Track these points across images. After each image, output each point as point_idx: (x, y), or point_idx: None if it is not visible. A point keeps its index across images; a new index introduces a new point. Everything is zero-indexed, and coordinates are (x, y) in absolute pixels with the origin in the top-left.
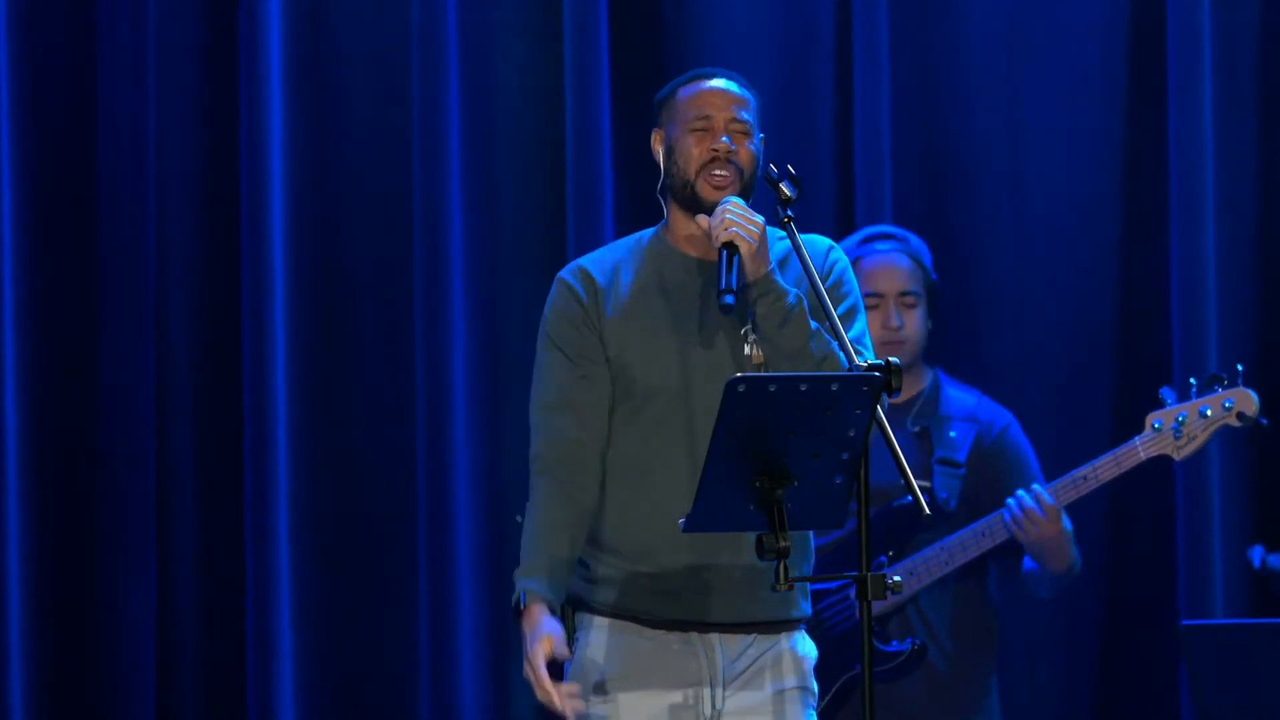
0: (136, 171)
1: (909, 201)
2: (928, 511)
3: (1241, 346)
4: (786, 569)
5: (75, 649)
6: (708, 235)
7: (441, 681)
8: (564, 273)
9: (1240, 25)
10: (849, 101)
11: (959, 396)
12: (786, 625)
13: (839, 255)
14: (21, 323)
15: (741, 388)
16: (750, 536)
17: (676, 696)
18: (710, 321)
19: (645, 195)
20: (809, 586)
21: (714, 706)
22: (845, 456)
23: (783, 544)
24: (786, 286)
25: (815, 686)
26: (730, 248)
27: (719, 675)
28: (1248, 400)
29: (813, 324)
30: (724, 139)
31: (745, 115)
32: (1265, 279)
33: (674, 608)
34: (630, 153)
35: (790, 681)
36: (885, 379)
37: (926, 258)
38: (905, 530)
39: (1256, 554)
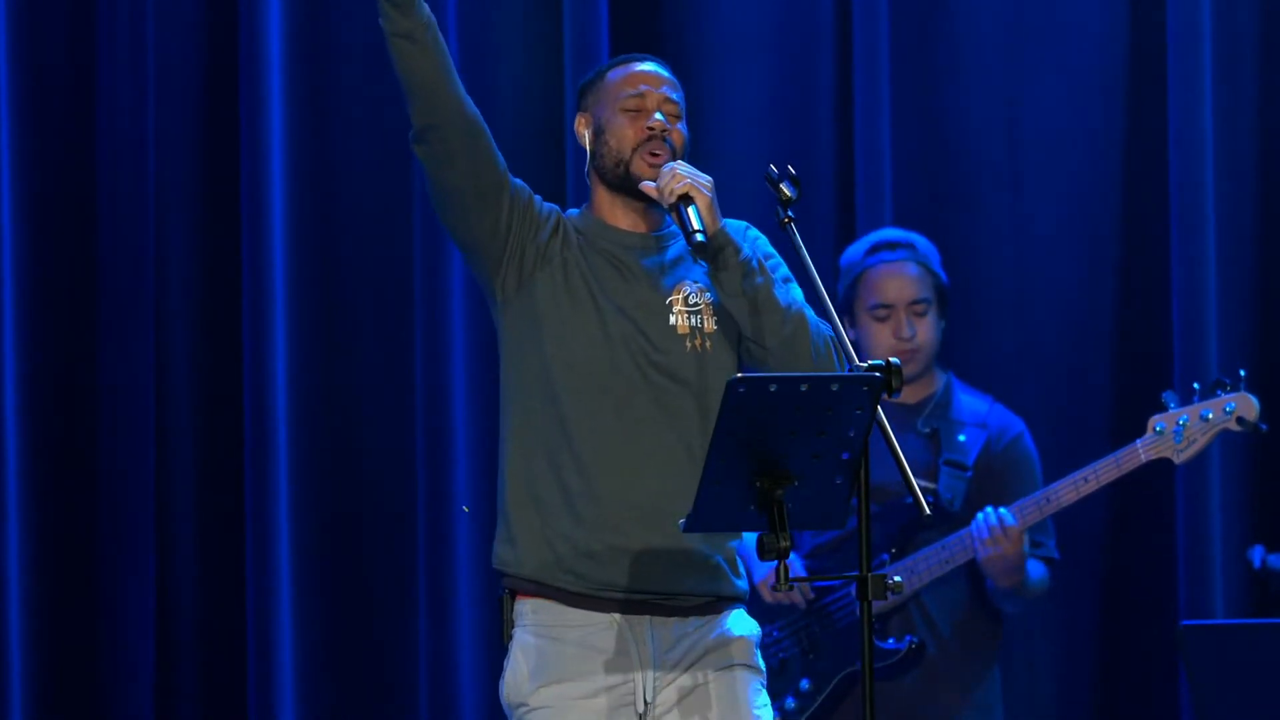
0: (136, 171)
1: (909, 202)
2: (927, 511)
3: (1242, 346)
4: (786, 569)
5: (75, 649)
6: (639, 218)
7: (441, 682)
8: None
9: (1240, 25)
10: (849, 102)
11: (971, 402)
12: (720, 604)
13: (757, 233)
14: (21, 323)
15: (742, 388)
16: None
17: (611, 687)
18: (639, 294)
19: None
20: (743, 564)
21: (647, 697)
22: (845, 456)
23: (783, 544)
24: (740, 243)
25: (761, 664)
26: (685, 199)
27: (650, 662)
28: (1249, 405)
29: (773, 276)
30: (658, 116)
31: (676, 97)
32: (1265, 279)
33: (601, 572)
34: None
35: (730, 660)
36: (885, 379)
37: (935, 260)
38: (907, 529)
39: (1256, 554)
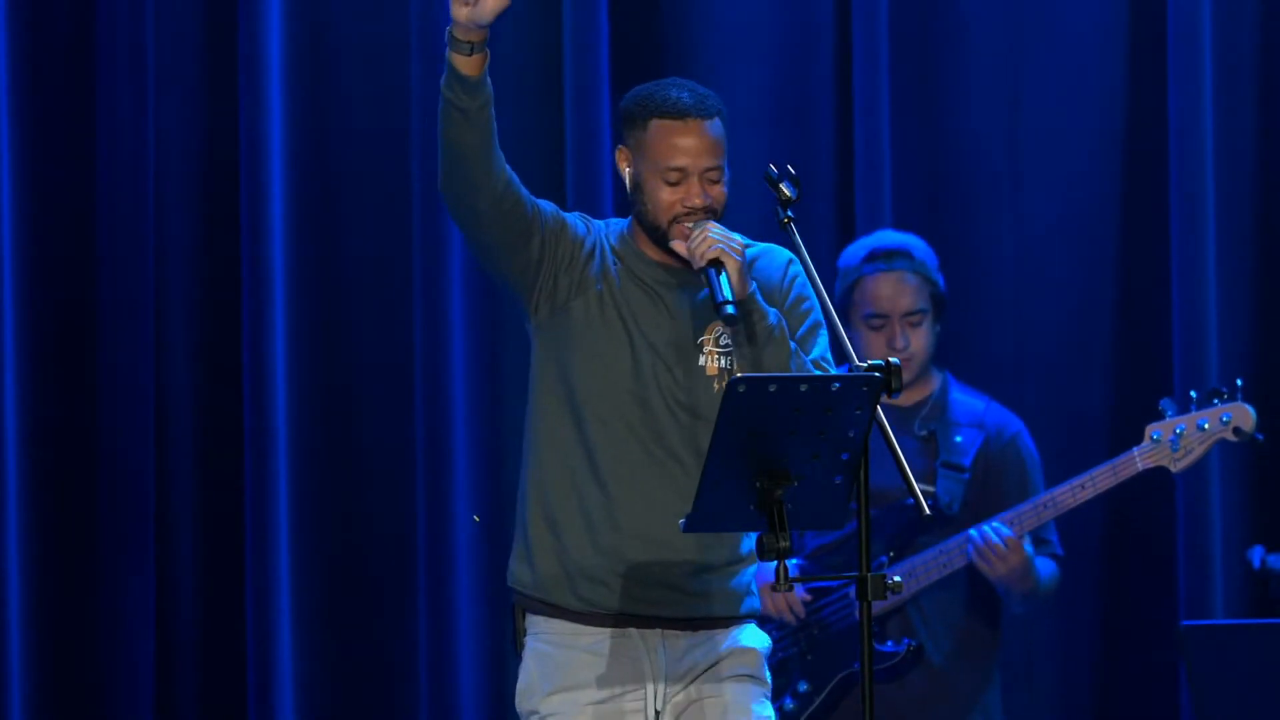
0: (136, 170)
1: (908, 202)
2: (928, 512)
3: (1241, 347)
4: (786, 569)
5: (75, 649)
6: (682, 260)
7: (440, 681)
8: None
9: (1241, 25)
10: (849, 101)
11: (967, 402)
12: (732, 621)
13: (798, 270)
14: (21, 322)
15: (742, 388)
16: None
17: (621, 695)
18: (671, 331)
19: None
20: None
21: (657, 706)
22: (845, 457)
23: (783, 544)
24: (767, 308)
25: (769, 677)
26: (716, 265)
27: (661, 672)
28: (1245, 416)
29: (791, 344)
30: (700, 193)
31: (719, 161)
32: (1265, 280)
33: (614, 600)
34: None
35: (737, 670)
36: (885, 379)
37: (932, 265)
38: (906, 531)
39: (1256, 554)
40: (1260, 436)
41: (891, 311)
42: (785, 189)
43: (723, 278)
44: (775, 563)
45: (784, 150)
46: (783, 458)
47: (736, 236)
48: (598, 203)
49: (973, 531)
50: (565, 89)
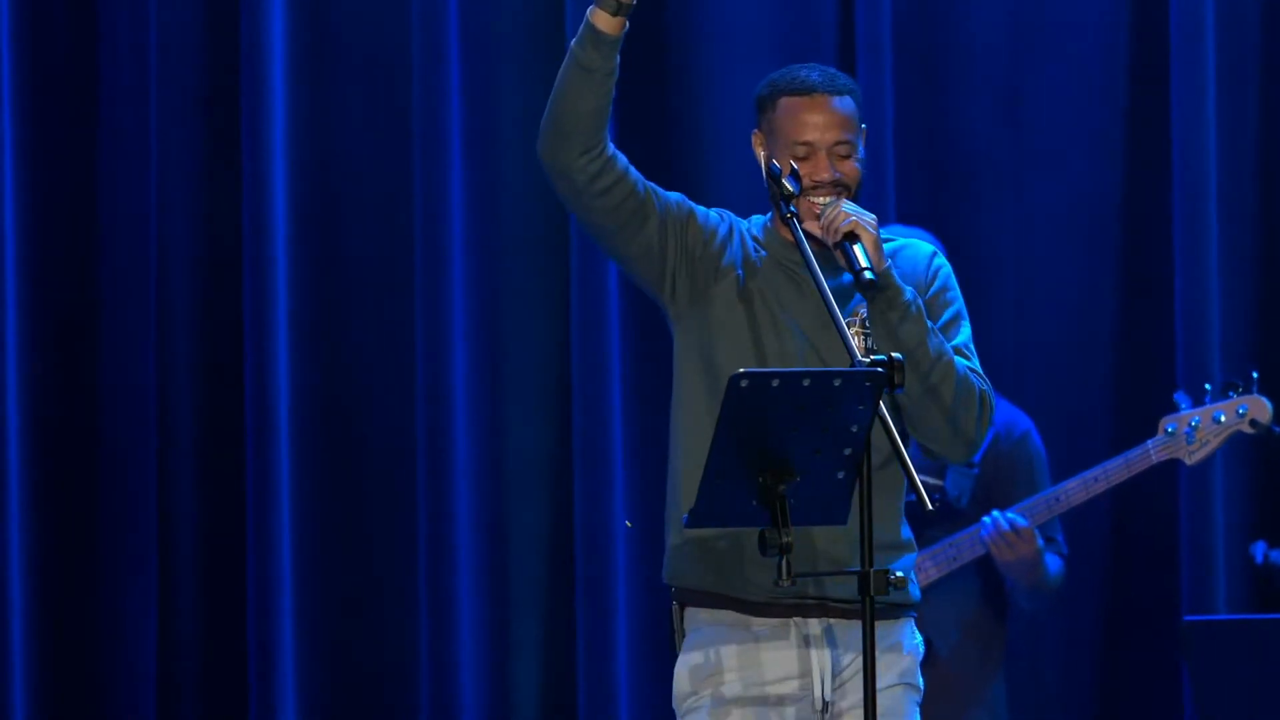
0: (137, 169)
1: (911, 198)
2: (930, 507)
3: (1245, 342)
4: (789, 564)
5: (77, 649)
6: (818, 238)
7: (441, 681)
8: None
9: (1243, 23)
10: None
11: None
12: (895, 610)
13: (942, 262)
14: (23, 322)
15: (744, 383)
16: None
17: (787, 685)
18: (817, 313)
19: None
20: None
21: (826, 697)
22: (848, 452)
23: (785, 539)
24: (904, 285)
25: (921, 683)
26: (851, 238)
27: (828, 662)
28: (1261, 408)
29: (929, 323)
30: (829, 168)
31: (848, 136)
32: (1268, 275)
33: (773, 579)
34: (631, 151)
35: (900, 678)
36: (888, 374)
37: None
38: (914, 525)
39: (1259, 550)
40: (1277, 429)
41: None
42: (787, 185)
43: (859, 247)
44: (779, 558)
45: None
46: (786, 453)
47: (869, 215)
48: None
49: (986, 519)
50: None
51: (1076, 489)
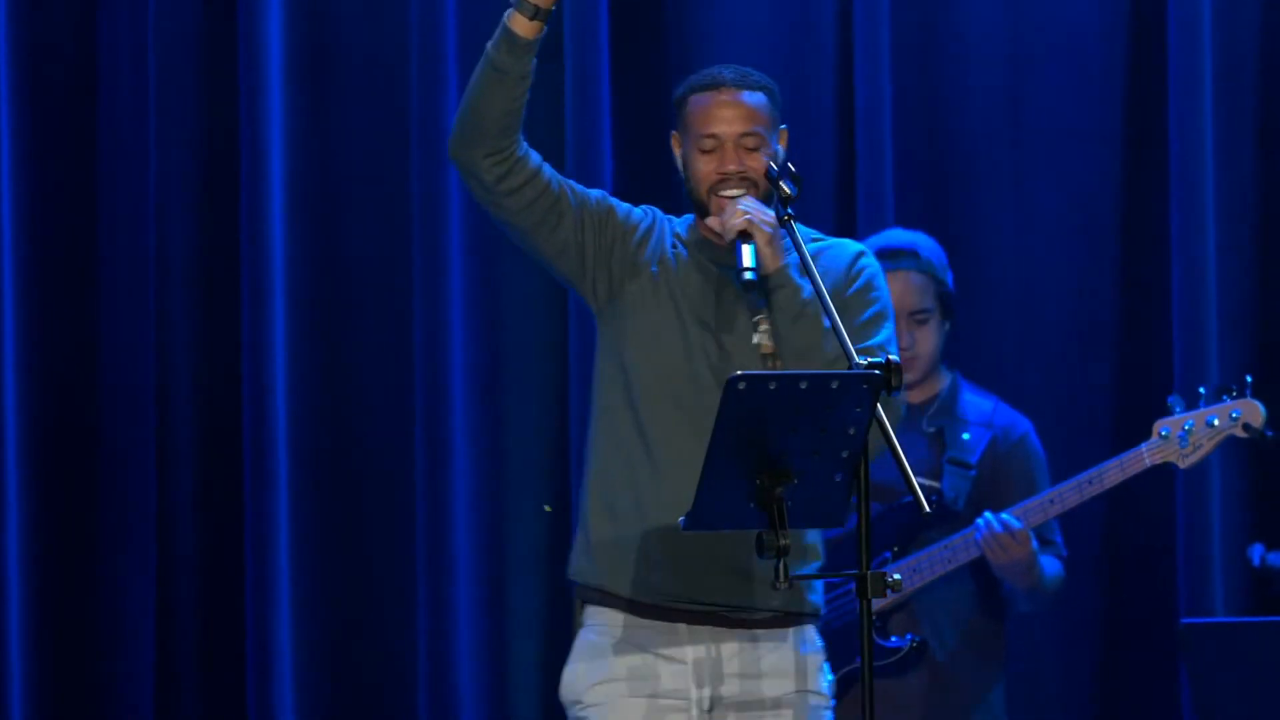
0: (137, 170)
1: (910, 200)
2: (927, 509)
3: (1242, 344)
4: (786, 567)
5: (76, 649)
6: (717, 234)
7: (440, 681)
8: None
9: (1241, 25)
10: (850, 100)
11: (976, 401)
12: (790, 619)
13: (869, 261)
14: (21, 322)
15: (741, 385)
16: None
17: (667, 692)
18: (726, 310)
19: (645, 193)
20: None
21: (704, 706)
22: (845, 454)
23: (783, 542)
24: (801, 282)
25: (827, 688)
26: (745, 237)
27: (709, 671)
28: (1255, 412)
29: (825, 322)
30: (735, 159)
31: (755, 128)
32: (1266, 276)
33: (671, 583)
34: (630, 152)
35: (796, 686)
36: (885, 377)
37: (940, 265)
38: (910, 528)
39: (1256, 552)
40: (1270, 433)
41: (896, 309)
42: (785, 186)
43: (750, 248)
44: (775, 560)
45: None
46: (783, 455)
47: (770, 213)
48: None
49: (980, 520)
50: (566, 88)
51: (1071, 492)
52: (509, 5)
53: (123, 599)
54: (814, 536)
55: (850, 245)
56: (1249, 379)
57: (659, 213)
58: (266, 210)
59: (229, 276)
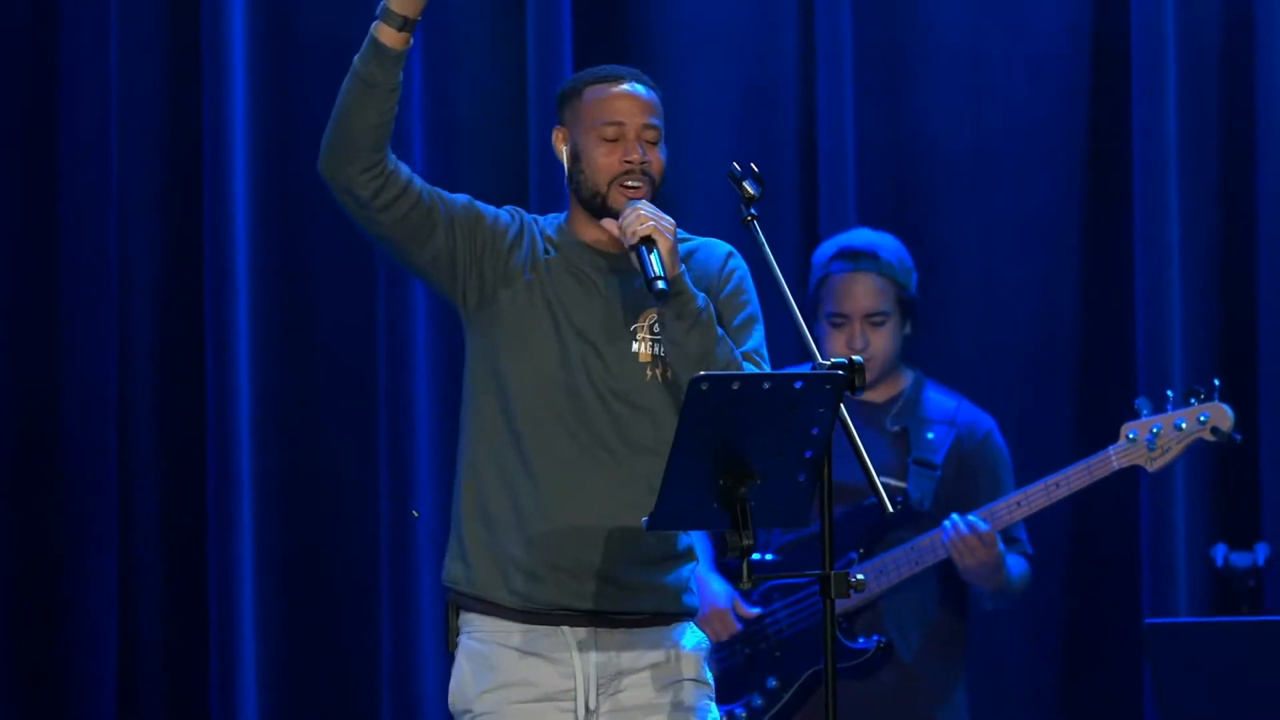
0: (98, 168)
1: (873, 200)
2: (890, 510)
3: (1205, 345)
4: (750, 567)
5: (38, 647)
6: (615, 238)
7: (403, 681)
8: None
9: (1203, 30)
10: (812, 99)
11: (939, 400)
12: (669, 618)
13: (738, 262)
14: None
15: (704, 385)
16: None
17: (554, 693)
18: (602, 317)
19: None
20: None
21: (590, 704)
22: (809, 454)
23: (746, 542)
24: (696, 291)
25: (709, 677)
26: (648, 243)
27: (594, 669)
28: (1223, 415)
29: (719, 331)
30: (638, 149)
31: (656, 122)
32: (1229, 278)
33: (549, 594)
34: None
35: (680, 675)
36: (848, 377)
37: (901, 268)
38: (876, 529)
39: (1219, 553)
40: (1238, 436)
41: (853, 312)
42: (748, 186)
43: (654, 255)
44: (739, 560)
45: (747, 147)
46: (746, 456)
47: (668, 219)
48: (561, 203)
49: (946, 522)
50: (528, 88)
51: (1038, 494)
52: (470, 28)
53: (86, 598)
54: (687, 540)
55: (720, 246)
56: (1217, 382)
57: (525, 213)
58: (230, 210)
59: (192, 276)
